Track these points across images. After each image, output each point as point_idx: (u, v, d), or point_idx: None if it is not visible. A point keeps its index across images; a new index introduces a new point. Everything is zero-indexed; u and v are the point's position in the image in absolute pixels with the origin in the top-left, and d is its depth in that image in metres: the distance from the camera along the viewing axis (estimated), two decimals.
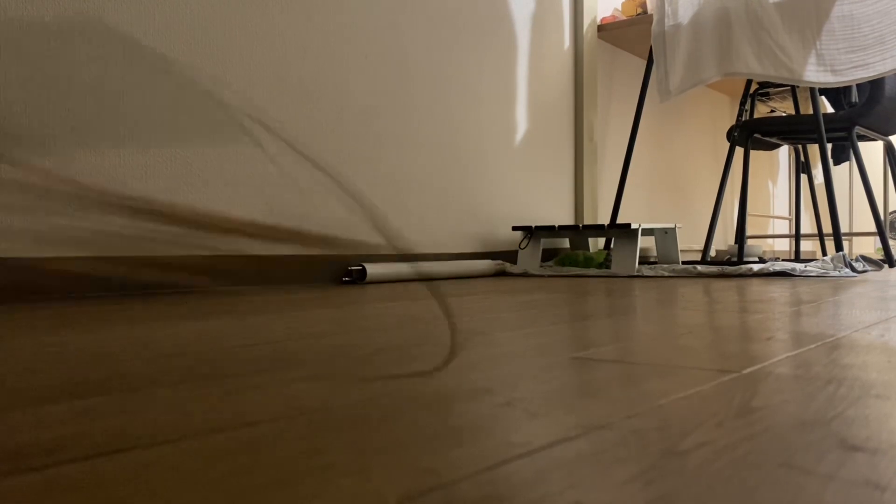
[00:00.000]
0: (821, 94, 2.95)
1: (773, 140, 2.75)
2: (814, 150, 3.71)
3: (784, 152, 4.50)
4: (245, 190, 1.66)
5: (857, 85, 2.70)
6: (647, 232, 2.35)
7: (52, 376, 0.51)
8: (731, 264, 2.15)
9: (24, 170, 1.08)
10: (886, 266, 2.34)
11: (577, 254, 2.38)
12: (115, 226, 1.43)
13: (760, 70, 2.25)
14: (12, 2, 1.29)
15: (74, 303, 1.22)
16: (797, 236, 3.34)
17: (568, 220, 2.77)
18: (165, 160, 1.52)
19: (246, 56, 1.67)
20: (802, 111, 3.02)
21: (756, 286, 1.55)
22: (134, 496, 0.26)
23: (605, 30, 2.88)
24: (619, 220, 2.96)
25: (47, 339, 0.72)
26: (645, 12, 2.88)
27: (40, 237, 1.33)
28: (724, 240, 3.91)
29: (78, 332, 0.77)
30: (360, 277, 1.83)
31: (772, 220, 4.40)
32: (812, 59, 2.18)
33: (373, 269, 1.82)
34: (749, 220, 4.00)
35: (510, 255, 2.44)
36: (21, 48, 1.29)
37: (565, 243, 2.67)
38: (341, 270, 1.87)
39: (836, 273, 1.96)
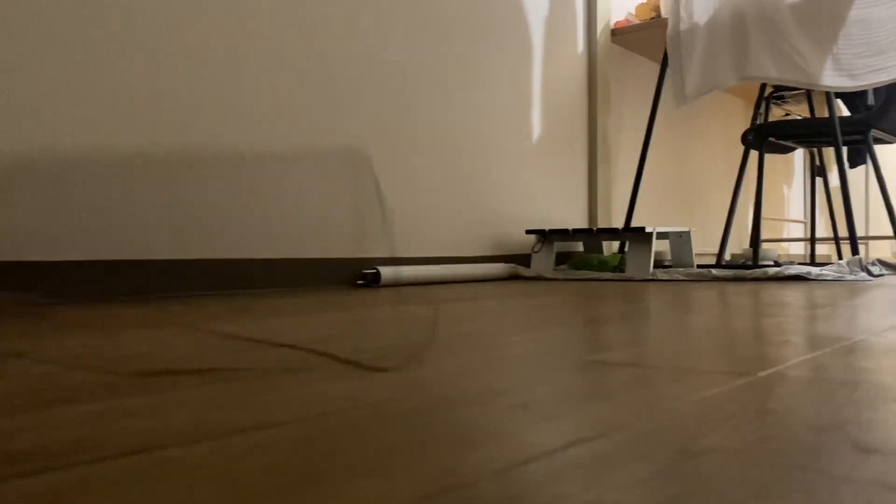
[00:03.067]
0: (836, 98, 2.93)
1: (789, 143, 2.74)
2: (829, 153, 3.69)
3: (799, 155, 4.47)
4: None
5: (873, 88, 2.68)
6: (661, 235, 2.34)
7: (76, 378, 0.52)
8: (747, 268, 2.14)
9: None
10: None
11: (591, 257, 2.38)
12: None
13: (777, 74, 2.24)
14: None
15: (93, 305, 1.23)
16: (812, 240, 3.32)
17: (582, 223, 2.77)
18: None
19: (262, 61, 1.68)
20: (818, 114, 3.00)
21: (771, 290, 1.54)
22: (160, 495, 0.26)
23: (619, 34, 2.88)
24: (634, 224, 2.95)
25: (69, 341, 0.73)
26: (659, 16, 2.87)
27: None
28: (738, 243, 3.89)
29: (98, 335, 0.79)
30: (374, 280, 1.84)
31: (787, 223, 4.38)
32: (829, 64, 2.17)
33: (387, 273, 1.83)
34: (764, 224, 3.98)
35: (523, 259, 2.45)
36: None
37: (579, 247, 2.67)
38: (355, 273, 1.88)
39: (852, 277, 1.95)
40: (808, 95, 2.92)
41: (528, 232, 2.35)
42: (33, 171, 1.32)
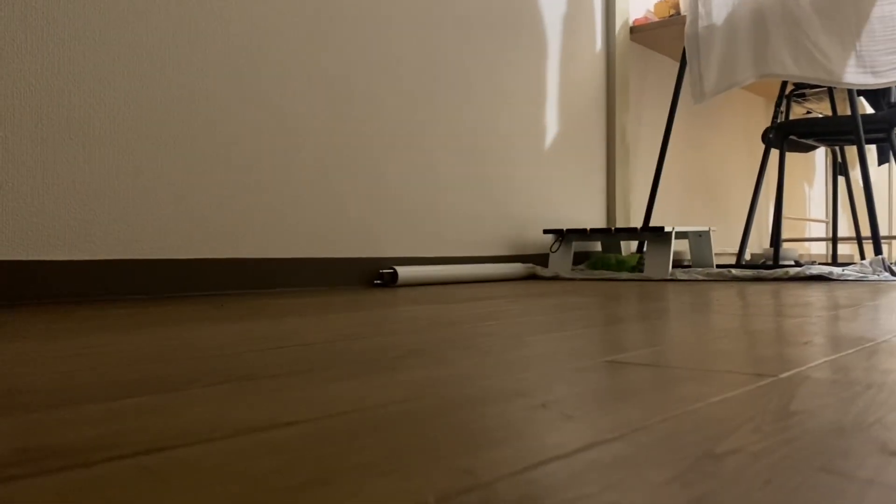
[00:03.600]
0: (859, 95, 2.90)
1: (810, 142, 2.71)
2: (852, 151, 3.65)
3: (820, 154, 4.43)
4: None
5: None
6: (680, 235, 2.33)
7: (94, 376, 0.52)
8: (767, 268, 2.12)
9: None
10: None
11: (610, 257, 2.37)
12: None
13: (798, 72, 2.22)
14: None
15: (111, 305, 1.24)
16: (834, 239, 3.29)
17: (600, 222, 2.76)
18: None
19: (281, 60, 1.69)
20: (840, 112, 2.97)
21: (792, 290, 1.53)
22: (174, 494, 0.26)
23: (638, 31, 2.86)
24: (652, 223, 2.93)
25: (86, 340, 0.74)
26: (678, 14, 2.85)
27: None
28: (759, 243, 3.85)
29: (116, 334, 0.79)
30: (391, 280, 1.84)
31: (808, 223, 4.33)
32: (852, 61, 2.15)
33: (404, 272, 1.83)
34: (785, 223, 3.94)
35: (541, 258, 2.44)
36: None
37: (597, 246, 2.65)
38: (373, 273, 1.88)
39: (875, 277, 1.92)
40: (830, 93, 2.89)
41: (546, 231, 2.34)
42: (54, 171, 1.34)
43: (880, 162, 3.43)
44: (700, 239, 2.33)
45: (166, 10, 1.49)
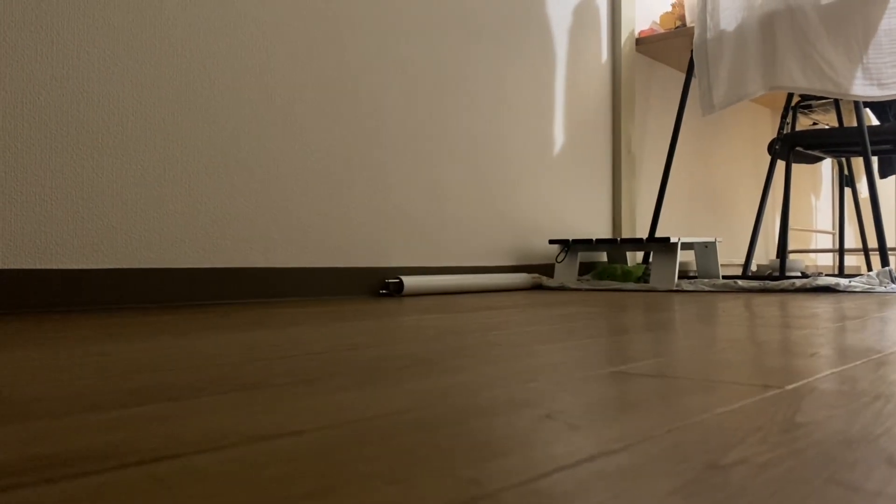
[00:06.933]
0: (865, 107, 2.89)
1: (816, 153, 2.70)
2: (858, 163, 3.64)
3: (826, 165, 4.42)
4: None
5: None
6: (686, 246, 2.32)
7: (100, 384, 0.52)
8: (773, 279, 2.11)
9: None
10: None
11: (615, 267, 2.37)
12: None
13: (806, 84, 2.22)
14: None
15: (118, 314, 1.25)
16: (841, 251, 3.27)
17: (606, 233, 2.76)
18: None
19: (288, 69, 1.70)
20: (846, 123, 2.96)
21: (799, 301, 1.52)
22: (184, 501, 0.26)
23: (643, 43, 2.87)
24: (658, 234, 2.93)
25: (93, 348, 0.74)
26: (684, 25, 2.86)
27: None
28: (765, 254, 3.84)
29: (123, 343, 0.79)
30: (397, 290, 1.84)
31: (814, 234, 4.32)
32: (859, 73, 2.15)
33: (410, 282, 1.83)
34: (791, 235, 3.93)
35: (547, 269, 2.44)
36: None
37: (603, 257, 2.65)
38: (378, 283, 1.89)
39: (882, 288, 1.92)
40: (836, 104, 2.88)
41: (552, 242, 2.34)
42: (62, 180, 1.34)
43: (883, 175, 3.42)
44: (706, 250, 2.32)
45: (174, 15, 1.50)
